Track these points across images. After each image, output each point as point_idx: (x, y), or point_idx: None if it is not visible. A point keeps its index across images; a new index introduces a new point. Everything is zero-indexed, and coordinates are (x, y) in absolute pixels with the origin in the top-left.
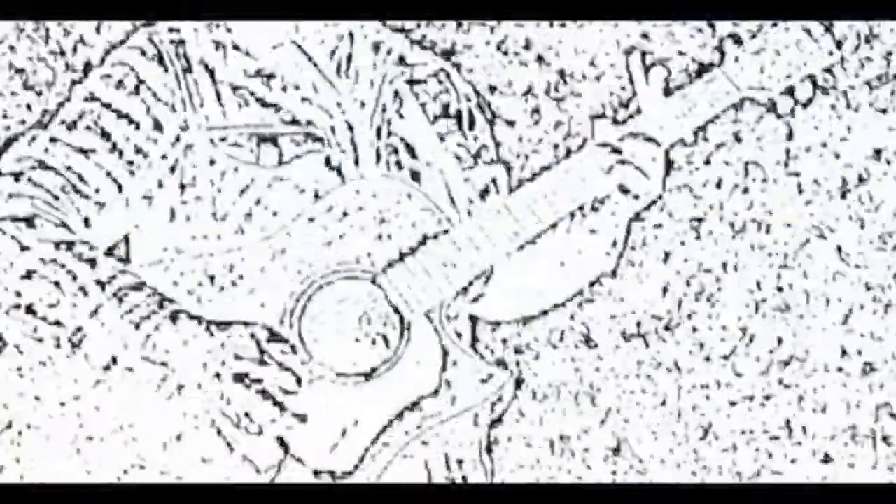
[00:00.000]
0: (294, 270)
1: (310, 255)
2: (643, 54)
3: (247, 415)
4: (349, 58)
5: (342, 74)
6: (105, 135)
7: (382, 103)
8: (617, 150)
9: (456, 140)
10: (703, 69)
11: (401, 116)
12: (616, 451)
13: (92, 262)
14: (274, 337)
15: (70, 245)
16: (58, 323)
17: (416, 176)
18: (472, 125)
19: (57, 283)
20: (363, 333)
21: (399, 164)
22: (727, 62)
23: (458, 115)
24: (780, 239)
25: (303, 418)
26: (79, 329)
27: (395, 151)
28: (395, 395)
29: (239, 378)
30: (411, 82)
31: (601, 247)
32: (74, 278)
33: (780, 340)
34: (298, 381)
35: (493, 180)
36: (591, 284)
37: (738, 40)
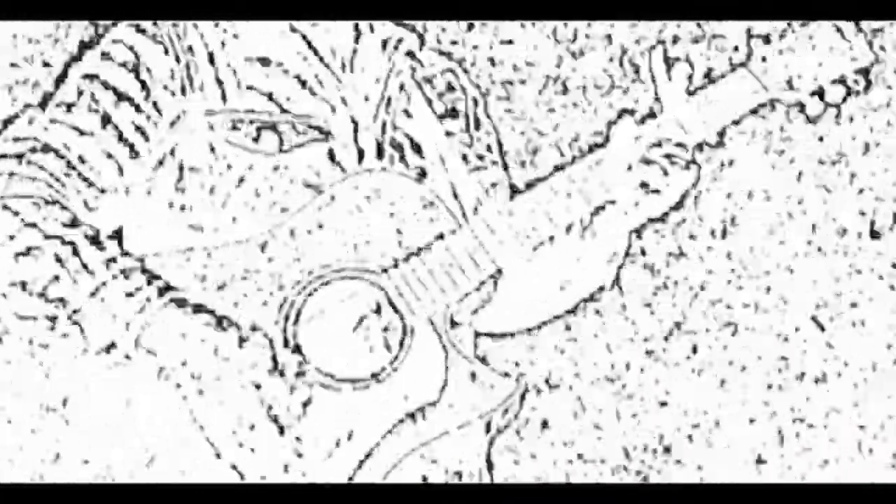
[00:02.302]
0: (293, 268)
1: (310, 251)
2: (665, 51)
3: (245, 421)
4: (355, 51)
5: (347, 67)
6: (104, 117)
7: (388, 98)
8: (639, 152)
9: (462, 139)
10: (730, 68)
11: (408, 115)
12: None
13: (96, 242)
14: (274, 343)
15: (74, 223)
16: (59, 300)
17: (422, 174)
18: (477, 126)
19: (59, 259)
20: (363, 337)
21: (404, 161)
22: (754, 61)
23: (466, 116)
24: None
25: (299, 424)
26: (77, 310)
27: (400, 148)
28: (394, 403)
29: (239, 380)
30: (419, 79)
31: (601, 257)
32: (77, 254)
33: None
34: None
35: (496, 183)
36: (589, 298)
37: (767, 39)
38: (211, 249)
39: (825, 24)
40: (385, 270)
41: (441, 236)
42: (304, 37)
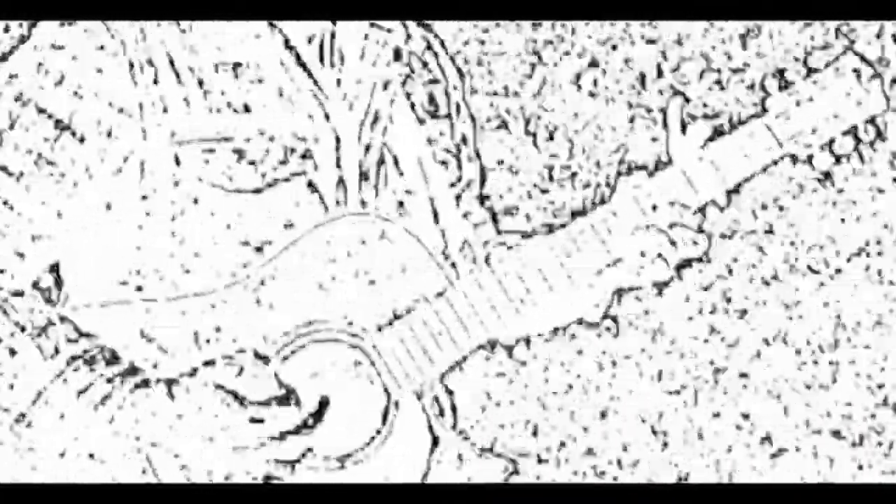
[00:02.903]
0: (264, 329)
1: (284, 310)
2: (686, 101)
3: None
4: (334, 46)
5: (326, 64)
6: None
7: (375, 109)
8: (647, 212)
9: (444, 146)
10: (743, 120)
11: (391, 121)
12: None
13: (41, 330)
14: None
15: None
16: None
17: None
18: (458, 111)
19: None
20: (342, 409)
21: (385, 177)
22: (770, 111)
23: (449, 117)
24: None
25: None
26: (22, 415)
27: (382, 163)
28: (372, 485)
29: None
30: (404, 80)
31: (592, 300)
32: (13, 353)
33: None
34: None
35: (471, 181)
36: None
37: (784, 84)
38: (166, 309)
39: (843, 66)
40: (370, 335)
41: (427, 299)
42: (285, 39)
